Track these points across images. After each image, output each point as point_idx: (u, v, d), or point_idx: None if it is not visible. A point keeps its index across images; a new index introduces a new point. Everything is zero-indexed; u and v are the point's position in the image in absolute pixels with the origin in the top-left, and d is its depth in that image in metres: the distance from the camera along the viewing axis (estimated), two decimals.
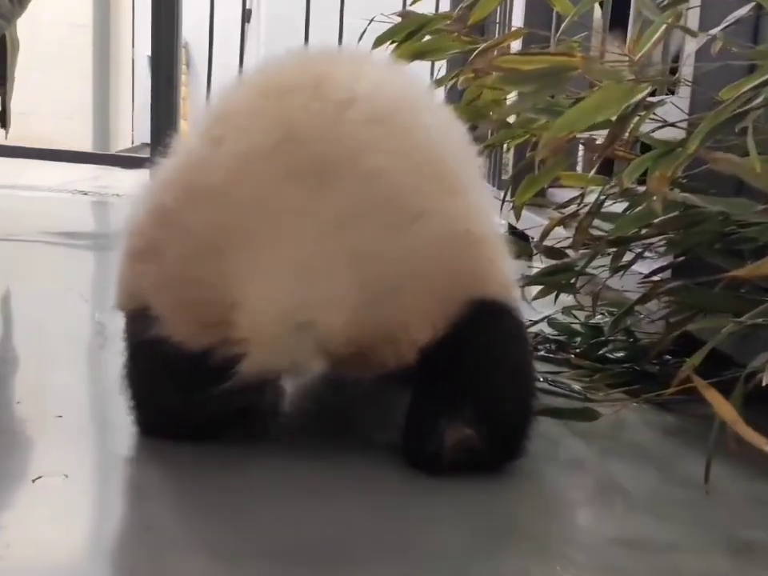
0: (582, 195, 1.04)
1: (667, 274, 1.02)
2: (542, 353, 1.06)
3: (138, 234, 0.68)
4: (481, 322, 0.67)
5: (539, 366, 1.01)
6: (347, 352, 0.65)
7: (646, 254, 1.01)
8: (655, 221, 0.83)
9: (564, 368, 1.02)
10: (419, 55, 0.97)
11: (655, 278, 1.00)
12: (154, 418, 0.71)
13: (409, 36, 0.95)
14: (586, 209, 1.05)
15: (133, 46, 4.04)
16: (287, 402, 0.85)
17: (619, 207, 1.04)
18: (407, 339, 0.65)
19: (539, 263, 1.25)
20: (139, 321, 0.67)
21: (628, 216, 0.88)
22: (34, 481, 0.63)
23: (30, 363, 0.94)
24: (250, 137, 0.65)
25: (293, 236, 0.62)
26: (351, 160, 0.64)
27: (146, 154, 2.90)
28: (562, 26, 0.82)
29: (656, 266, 1.03)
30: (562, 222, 1.07)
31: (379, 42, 0.98)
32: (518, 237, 1.48)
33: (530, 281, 1.00)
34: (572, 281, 0.97)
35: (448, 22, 0.93)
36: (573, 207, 1.10)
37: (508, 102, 0.94)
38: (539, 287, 1.01)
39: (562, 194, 1.51)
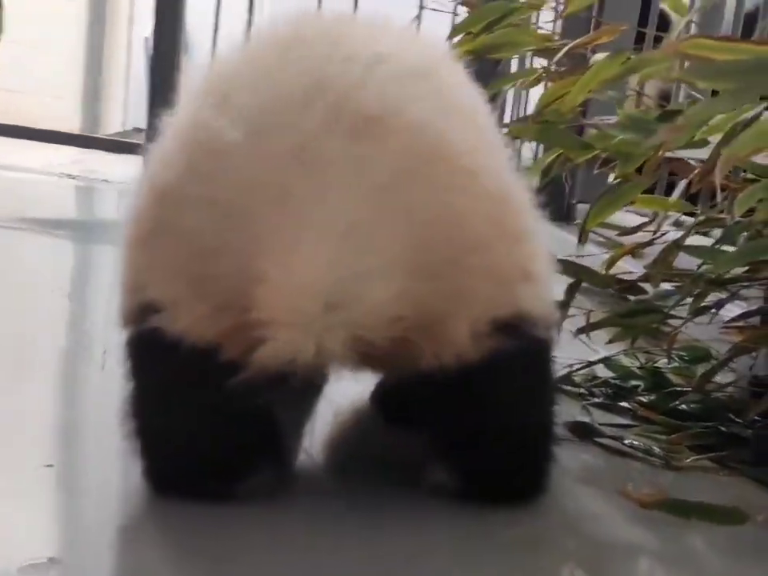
0: (660, 222, 0.91)
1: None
2: (600, 399, 0.93)
3: (137, 221, 0.58)
4: (517, 354, 0.58)
5: (599, 417, 0.88)
6: (383, 342, 0.54)
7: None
8: None
9: (626, 419, 0.89)
10: (490, 49, 0.83)
11: (739, 324, 0.87)
12: (164, 459, 0.57)
13: (489, 26, 0.81)
14: (660, 237, 0.92)
15: (130, 25, 3.86)
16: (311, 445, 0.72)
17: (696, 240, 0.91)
18: (453, 331, 0.56)
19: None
20: (142, 323, 0.56)
21: (734, 252, 0.75)
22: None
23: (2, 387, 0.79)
24: (271, 88, 0.55)
25: (335, 192, 0.53)
26: (396, 112, 0.55)
27: (139, 139, 2.72)
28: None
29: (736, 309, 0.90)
30: (633, 250, 0.93)
31: (456, 31, 0.84)
32: None
33: (603, 322, 0.85)
34: (655, 325, 0.83)
35: (536, 12, 0.79)
36: (638, 234, 0.98)
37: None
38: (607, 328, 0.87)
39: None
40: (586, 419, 0.86)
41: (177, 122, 0.59)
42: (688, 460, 0.78)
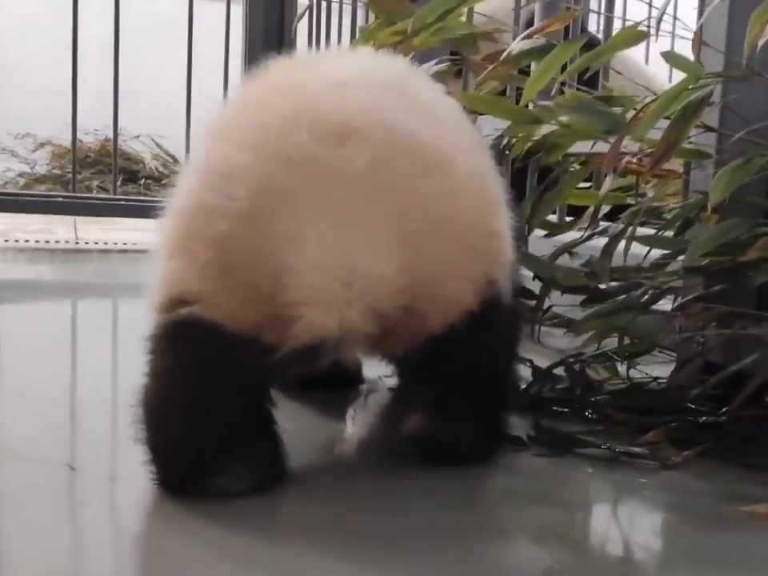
0: (596, 215, 0.88)
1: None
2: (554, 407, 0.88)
3: (171, 230, 0.67)
4: (496, 310, 0.69)
5: (558, 426, 0.83)
6: (394, 312, 0.64)
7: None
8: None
9: (578, 422, 0.85)
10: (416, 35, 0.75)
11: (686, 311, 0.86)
12: (179, 446, 0.65)
13: (443, 16, 0.74)
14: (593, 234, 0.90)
15: None
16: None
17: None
18: (449, 294, 0.66)
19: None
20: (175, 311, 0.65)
21: (706, 235, 0.73)
22: None
23: None
24: (266, 116, 0.65)
25: (327, 187, 0.63)
26: (371, 118, 0.65)
27: None
28: None
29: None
30: (570, 248, 0.90)
31: (417, 21, 0.74)
32: None
33: (580, 325, 0.80)
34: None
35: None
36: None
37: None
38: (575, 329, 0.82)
39: None
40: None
41: (196, 154, 0.70)
42: (678, 458, 0.75)
